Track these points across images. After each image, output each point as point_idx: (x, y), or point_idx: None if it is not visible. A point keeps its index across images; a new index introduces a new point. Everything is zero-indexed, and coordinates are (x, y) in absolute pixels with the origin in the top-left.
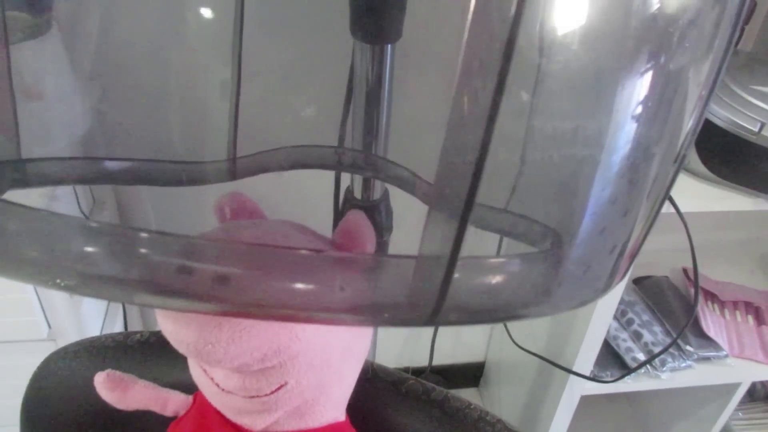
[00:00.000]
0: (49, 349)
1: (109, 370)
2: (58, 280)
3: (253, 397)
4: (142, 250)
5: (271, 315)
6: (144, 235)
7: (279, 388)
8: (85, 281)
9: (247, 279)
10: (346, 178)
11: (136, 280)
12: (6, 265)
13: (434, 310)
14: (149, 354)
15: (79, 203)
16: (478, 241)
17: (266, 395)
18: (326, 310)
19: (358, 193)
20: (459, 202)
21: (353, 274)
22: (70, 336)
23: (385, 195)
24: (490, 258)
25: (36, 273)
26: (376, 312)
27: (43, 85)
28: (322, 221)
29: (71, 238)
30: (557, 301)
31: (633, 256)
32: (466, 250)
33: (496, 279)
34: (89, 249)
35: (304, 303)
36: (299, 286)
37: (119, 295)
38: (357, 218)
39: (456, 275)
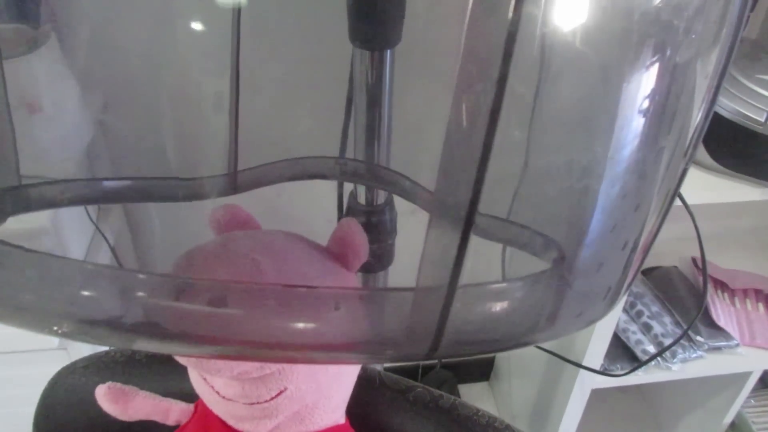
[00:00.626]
0: (60, 358)
1: (110, 383)
2: (55, 327)
3: (253, 403)
4: (140, 294)
5: (271, 356)
6: (141, 277)
7: (279, 394)
8: (81, 328)
9: (247, 320)
10: (349, 184)
11: (133, 325)
12: (1, 312)
13: (432, 345)
14: (157, 368)
15: (87, 209)
16: (483, 251)
17: (266, 401)
18: (324, 349)
19: (361, 199)
20: (460, 212)
21: (351, 312)
22: (80, 345)
23: (389, 199)
24: (491, 284)
25: (32, 319)
26: (375, 350)
27: (43, 99)
28: (326, 228)
29: (67, 282)
30: (564, 324)
31: (645, 252)
32: (469, 262)
33: (499, 306)
34: (85, 293)
35: (304, 342)
36: (299, 325)
37: (117, 341)
38: (349, 225)
39: (456, 305)
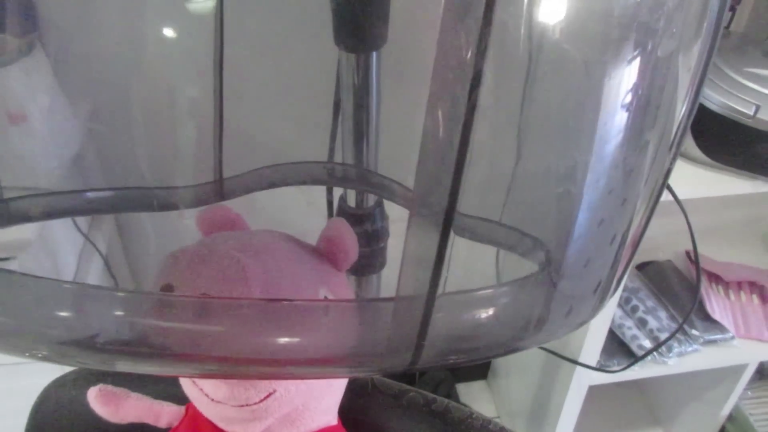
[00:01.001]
0: (51, 369)
1: (101, 385)
2: (34, 351)
3: (242, 406)
4: (117, 313)
5: (252, 373)
6: (120, 294)
7: (268, 396)
8: (59, 350)
9: (227, 337)
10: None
11: (112, 345)
12: None
13: (414, 356)
14: (147, 378)
15: (74, 219)
16: (472, 259)
17: (255, 404)
18: (306, 365)
19: (352, 202)
20: (439, 213)
21: (332, 325)
22: None
23: (380, 201)
24: (474, 291)
25: (8, 344)
26: (357, 363)
27: (26, 109)
28: (317, 230)
29: (42, 302)
30: (553, 326)
31: (635, 247)
32: (457, 269)
33: (484, 314)
34: (61, 314)
35: (285, 358)
36: (281, 340)
37: (97, 363)
38: (338, 224)
39: (438, 314)
